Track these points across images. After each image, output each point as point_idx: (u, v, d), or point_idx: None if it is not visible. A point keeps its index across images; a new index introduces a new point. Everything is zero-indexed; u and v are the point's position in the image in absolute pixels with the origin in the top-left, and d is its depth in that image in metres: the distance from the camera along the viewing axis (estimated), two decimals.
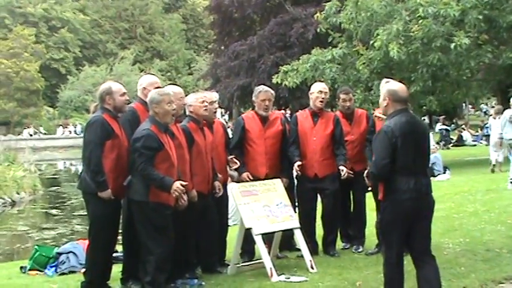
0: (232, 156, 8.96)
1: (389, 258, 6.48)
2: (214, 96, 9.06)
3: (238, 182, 8.92)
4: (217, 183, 8.55)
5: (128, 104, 7.99)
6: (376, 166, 6.39)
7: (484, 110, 54.68)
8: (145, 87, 8.06)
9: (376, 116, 8.00)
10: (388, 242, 6.50)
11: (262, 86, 9.55)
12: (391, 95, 6.43)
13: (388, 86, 6.62)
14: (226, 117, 53.79)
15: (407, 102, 6.57)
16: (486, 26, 18.07)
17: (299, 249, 9.00)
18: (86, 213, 8.23)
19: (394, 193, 6.29)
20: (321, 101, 9.34)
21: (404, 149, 6.24)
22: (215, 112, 9.04)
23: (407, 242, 6.48)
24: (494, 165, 20.40)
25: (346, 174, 9.05)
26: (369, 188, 9.54)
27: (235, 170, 9.08)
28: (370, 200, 9.61)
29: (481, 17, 17.33)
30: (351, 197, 9.76)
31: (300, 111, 9.89)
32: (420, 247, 6.47)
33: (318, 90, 9.37)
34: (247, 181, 8.84)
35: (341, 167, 9.08)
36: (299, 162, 9.08)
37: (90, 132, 7.64)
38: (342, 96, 9.72)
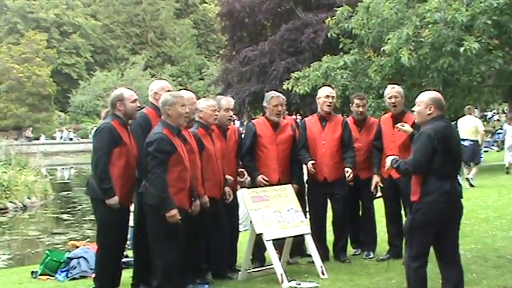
0: (241, 170, 8.98)
1: (414, 261, 6.57)
2: (231, 102, 9.08)
3: (252, 186, 8.91)
4: (227, 189, 8.55)
5: (140, 109, 8.02)
6: (414, 165, 6.54)
7: (489, 116, 54.26)
8: (157, 92, 8.08)
9: (399, 129, 7.96)
10: (416, 244, 6.57)
11: (273, 91, 9.53)
12: (435, 103, 6.66)
13: (430, 94, 6.80)
14: (238, 123, 53.83)
15: (444, 109, 6.82)
16: (496, 31, 18.01)
17: (310, 255, 9.00)
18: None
19: (430, 195, 6.43)
20: (329, 105, 9.35)
21: (442, 152, 6.43)
22: (230, 119, 9.01)
23: (436, 247, 6.63)
24: (507, 167, 21.12)
25: (351, 176, 9.05)
26: (377, 195, 9.58)
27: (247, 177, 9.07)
28: (379, 205, 9.60)
29: (490, 22, 17.28)
30: (359, 203, 9.75)
31: (308, 116, 9.90)
32: (449, 251, 6.64)
33: (325, 95, 9.38)
34: (263, 184, 8.83)
35: (346, 169, 9.08)
36: (312, 161, 9.08)
37: (98, 139, 7.69)
38: (356, 101, 9.72)
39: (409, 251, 6.68)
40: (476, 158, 18.79)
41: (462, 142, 17.87)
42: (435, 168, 6.42)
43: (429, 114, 6.64)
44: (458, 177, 6.96)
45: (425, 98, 6.73)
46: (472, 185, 17.71)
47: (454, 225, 6.62)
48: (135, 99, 7.91)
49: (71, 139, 66.90)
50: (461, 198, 6.65)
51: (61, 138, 66.66)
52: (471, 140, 18.57)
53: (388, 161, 6.98)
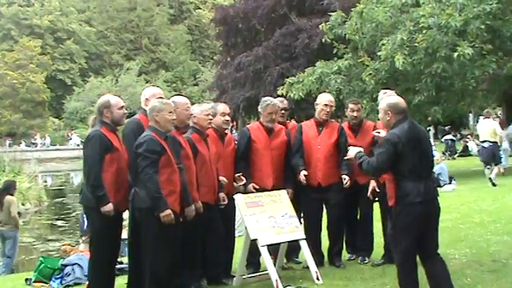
0: (239, 174, 8.98)
1: (403, 265, 6.60)
2: (227, 107, 9.12)
3: (244, 193, 8.91)
4: (222, 194, 8.54)
5: (131, 115, 8.02)
6: (376, 168, 6.71)
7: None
8: (148, 98, 8.06)
9: (375, 136, 8.03)
10: (402, 248, 6.61)
11: (269, 98, 9.51)
12: (392, 108, 6.73)
13: (387, 100, 6.90)
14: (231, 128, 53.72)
15: (406, 111, 6.84)
16: (489, 36, 18.07)
17: (298, 262, 9.14)
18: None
19: (406, 197, 6.47)
20: (326, 114, 9.36)
21: (410, 154, 6.47)
22: (227, 122, 9.03)
23: (418, 246, 6.64)
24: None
25: (348, 183, 9.05)
26: (376, 199, 9.57)
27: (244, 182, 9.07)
28: (376, 210, 9.60)
29: (483, 27, 17.33)
30: (357, 208, 9.74)
31: (304, 121, 9.90)
32: (430, 250, 6.68)
33: (323, 104, 9.38)
34: (253, 192, 8.83)
35: (343, 176, 9.08)
36: (305, 172, 9.07)
37: (88, 147, 7.67)
38: (351, 106, 9.70)
39: (395, 256, 6.72)
40: (496, 159, 19.71)
41: (482, 144, 19.98)
42: (406, 171, 6.48)
43: (389, 120, 6.73)
44: (434, 175, 6.99)
45: (383, 105, 6.83)
46: (494, 184, 18.41)
47: (433, 225, 6.66)
48: (122, 106, 7.93)
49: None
50: (438, 196, 6.72)
51: (43, 144, 66.33)
52: (490, 142, 19.65)
53: (353, 152, 7.04)
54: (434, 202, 6.66)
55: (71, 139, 67.81)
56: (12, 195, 14.77)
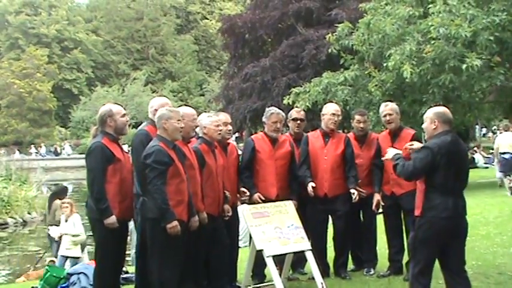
0: (243, 190, 8.97)
1: (418, 277, 6.56)
2: (229, 117, 9.13)
3: (249, 203, 8.89)
4: (226, 207, 8.54)
5: (138, 125, 8.03)
6: (411, 172, 6.61)
7: (484, 133, 54.28)
8: (156, 108, 8.05)
9: (408, 149, 7.88)
10: (419, 261, 6.56)
11: (273, 107, 9.52)
12: (439, 117, 6.69)
13: (435, 109, 6.84)
14: (233, 137, 53.65)
15: (452, 124, 6.82)
16: (498, 48, 18.03)
17: (304, 273, 9.19)
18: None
19: (432, 210, 6.43)
20: (334, 123, 9.35)
21: (446, 167, 6.43)
22: (229, 133, 9.04)
23: (442, 263, 6.63)
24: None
25: (357, 198, 9.03)
26: (379, 210, 9.56)
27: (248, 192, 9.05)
28: (379, 221, 9.58)
29: (492, 38, 17.30)
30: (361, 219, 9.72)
31: (311, 132, 9.89)
32: (454, 268, 6.62)
33: (330, 113, 9.37)
34: (259, 202, 8.81)
35: (352, 190, 9.05)
36: (313, 184, 9.05)
37: (90, 159, 7.69)
38: (357, 117, 9.66)
39: (412, 268, 6.67)
40: None
41: (503, 155, 20.96)
42: (438, 184, 6.42)
43: (434, 129, 6.66)
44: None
45: (430, 114, 6.76)
46: None
47: (458, 242, 6.59)
48: (124, 114, 7.95)
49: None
50: (465, 214, 6.64)
51: (38, 154, 66.17)
52: (511, 153, 20.67)
53: (391, 153, 7.00)
54: (461, 220, 6.59)
55: (63, 149, 67.84)
56: (61, 199, 14.93)
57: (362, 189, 9.22)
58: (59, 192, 15.72)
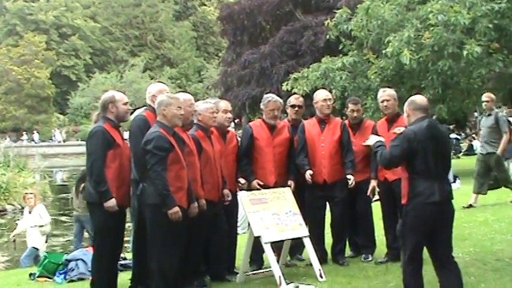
0: (239, 179, 8.98)
1: (408, 264, 6.55)
2: (229, 104, 9.13)
3: (248, 190, 8.90)
4: (226, 191, 8.54)
5: (133, 112, 8.03)
6: (388, 159, 6.62)
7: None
8: (155, 94, 8.07)
9: (397, 134, 7.95)
10: (408, 247, 6.54)
11: (271, 94, 9.52)
12: (409, 105, 6.69)
13: (408, 100, 6.81)
14: (232, 124, 53.54)
15: (428, 110, 6.76)
16: (497, 35, 17.97)
17: (301, 259, 9.17)
18: None
19: (418, 197, 6.39)
20: (327, 107, 9.38)
21: (425, 153, 6.39)
22: (229, 120, 9.02)
23: (430, 250, 6.61)
24: None
25: (353, 183, 9.04)
26: (374, 199, 9.58)
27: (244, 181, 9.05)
28: (377, 208, 9.59)
29: (491, 25, 17.25)
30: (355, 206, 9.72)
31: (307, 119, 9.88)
32: (443, 254, 6.59)
33: (322, 99, 9.40)
34: (257, 189, 8.82)
35: (348, 176, 9.08)
36: (310, 171, 9.06)
37: (91, 143, 7.70)
38: (351, 106, 9.72)
39: (403, 255, 6.68)
40: None
41: None
42: (420, 170, 6.40)
43: (407, 117, 6.72)
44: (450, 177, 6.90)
45: (405, 105, 6.78)
46: None
47: (445, 227, 6.57)
48: (126, 102, 7.95)
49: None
50: (452, 199, 6.61)
51: (31, 141, 66.15)
52: None
53: (373, 140, 7.01)
54: (448, 204, 6.55)
55: (54, 136, 67.81)
56: None
57: (356, 175, 9.23)
58: (85, 177, 15.75)
